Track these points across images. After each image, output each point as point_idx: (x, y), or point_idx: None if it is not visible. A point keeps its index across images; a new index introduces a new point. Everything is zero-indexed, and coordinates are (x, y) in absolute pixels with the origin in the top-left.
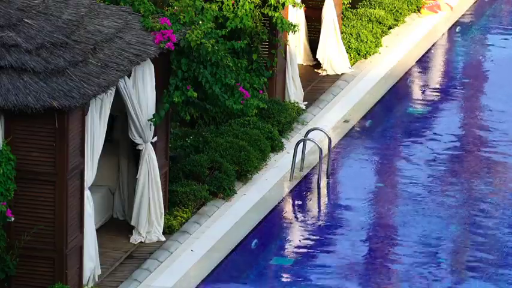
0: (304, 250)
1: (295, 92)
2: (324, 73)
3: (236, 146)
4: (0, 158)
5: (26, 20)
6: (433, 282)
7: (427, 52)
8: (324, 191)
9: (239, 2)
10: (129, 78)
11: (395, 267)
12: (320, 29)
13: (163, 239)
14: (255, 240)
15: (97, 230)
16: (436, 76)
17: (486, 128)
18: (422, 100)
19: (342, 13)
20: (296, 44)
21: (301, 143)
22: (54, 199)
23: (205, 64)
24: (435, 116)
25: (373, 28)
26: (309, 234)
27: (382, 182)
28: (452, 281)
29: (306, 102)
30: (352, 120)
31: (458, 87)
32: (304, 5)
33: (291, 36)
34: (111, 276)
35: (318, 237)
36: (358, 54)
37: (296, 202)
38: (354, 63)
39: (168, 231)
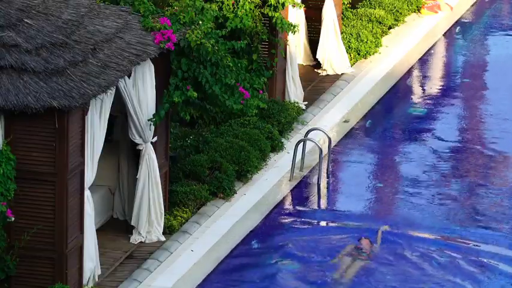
0: (304, 250)
1: (295, 92)
2: (324, 73)
3: (236, 146)
4: (0, 158)
5: (26, 20)
6: (433, 281)
7: (427, 52)
8: (324, 191)
9: (239, 2)
10: (129, 78)
11: (395, 267)
12: (320, 29)
13: (163, 239)
14: (255, 241)
15: (97, 230)
16: (436, 76)
17: (486, 128)
18: (422, 100)
19: (342, 13)
20: (296, 44)
21: (301, 143)
22: (54, 199)
23: (205, 64)
24: (435, 116)
25: (373, 28)
26: (308, 234)
27: (382, 182)
28: (453, 280)
29: (306, 102)
30: (352, 120)
31: (458, 87)
32: (304, 5)
33: (291, 36)
34: (111, 276)
35: (317, 237)
36: (358, 54)
37: (296, 202)
38: (354, 63)
39: (168, 231)
